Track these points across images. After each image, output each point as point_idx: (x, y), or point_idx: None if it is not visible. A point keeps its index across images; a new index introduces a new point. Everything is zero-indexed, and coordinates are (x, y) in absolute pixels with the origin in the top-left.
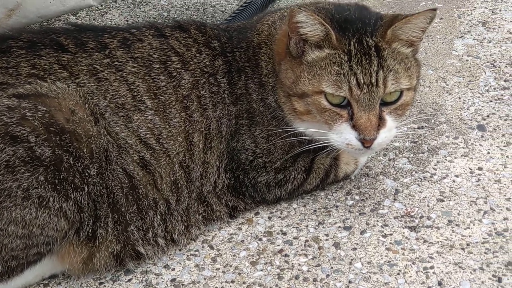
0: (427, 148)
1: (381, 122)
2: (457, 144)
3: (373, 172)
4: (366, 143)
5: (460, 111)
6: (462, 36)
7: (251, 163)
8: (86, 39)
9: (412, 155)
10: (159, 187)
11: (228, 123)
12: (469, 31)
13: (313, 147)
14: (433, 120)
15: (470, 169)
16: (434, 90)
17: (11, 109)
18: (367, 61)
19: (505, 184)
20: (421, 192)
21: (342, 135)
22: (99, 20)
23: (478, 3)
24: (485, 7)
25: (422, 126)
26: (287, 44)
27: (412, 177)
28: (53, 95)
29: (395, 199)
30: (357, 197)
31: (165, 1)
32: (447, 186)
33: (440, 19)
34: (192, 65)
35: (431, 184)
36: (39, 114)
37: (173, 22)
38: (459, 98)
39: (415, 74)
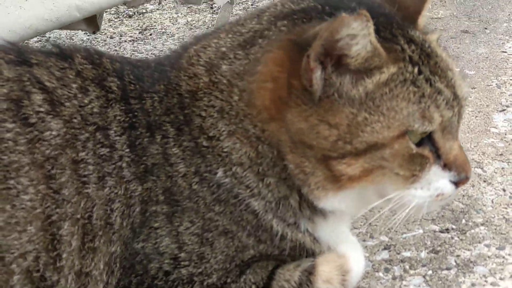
0: (456, 262)
1: None
2: (504, 257)
3: None
4: (463, 182)
5: (505, 208)
6: (504, 110)
7: (167, 276)
8: None
9: (431, 272)
10: None
11: (125, 211)
12: None
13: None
14: (464, 220)
15: None
16: None
17: None
18: (437, 65)
19: None
20: None
21: (432, 185)
22: None
23: None
24: None
25: (447, 229)
26: (297, 84)
27: None
28: None
29: None
30: None
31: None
32: None
33: (472, 88)
34: (69, 109)
35: None
36: None
37: (52, 46)
38: (504, 190)
39: None
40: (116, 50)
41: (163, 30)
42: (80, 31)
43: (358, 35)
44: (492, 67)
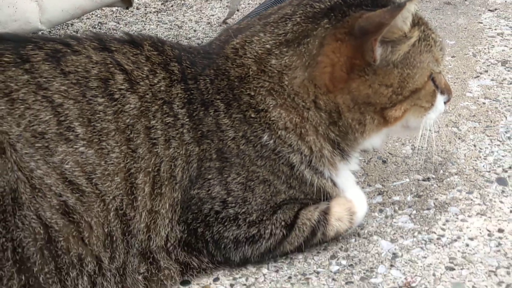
0: (434, 203)
1: None
2: (472, 200)
3: (366, 231)
4: (449, 101)
5: (475, 161)
6: (478, 76)
7: (217, 214)
8: (1, 51)
9: (415, 211)
10: (86, 240)
11: (185, 166)
12: (486, 71)
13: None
14: (441, 171)
15: (489, 230)
16: (443, 135)
17: None
18: (425, 21)
19: None
20: (425, 257)
21: (438, 108)
22: None
23: (497, 41)
24: (505, 45)
25: (428, 178)
26: (359, 62)
27: (415, 239)
28: None
29: (392, 266)
30: (344, 262)
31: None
32: (458, 251)
33: (452, 57)
34: (142, 87)
35: (438, 248)
36: None
37: (123, 34)
38: (474, 146)
39: None
40: (143, 20)
41: (183, 2)
42: None
43: (409, 16)
44: (469, 37)
